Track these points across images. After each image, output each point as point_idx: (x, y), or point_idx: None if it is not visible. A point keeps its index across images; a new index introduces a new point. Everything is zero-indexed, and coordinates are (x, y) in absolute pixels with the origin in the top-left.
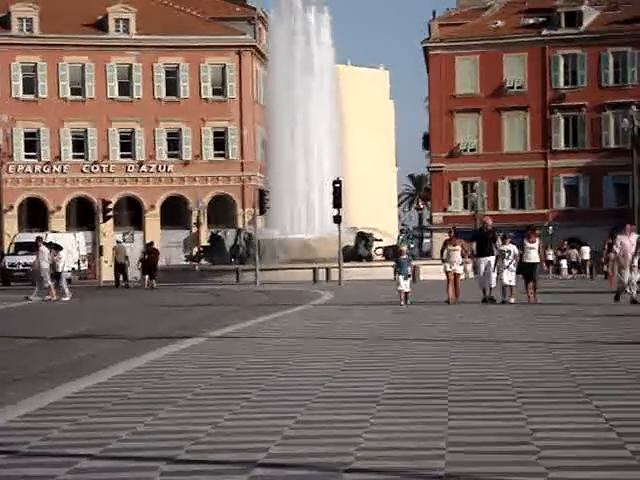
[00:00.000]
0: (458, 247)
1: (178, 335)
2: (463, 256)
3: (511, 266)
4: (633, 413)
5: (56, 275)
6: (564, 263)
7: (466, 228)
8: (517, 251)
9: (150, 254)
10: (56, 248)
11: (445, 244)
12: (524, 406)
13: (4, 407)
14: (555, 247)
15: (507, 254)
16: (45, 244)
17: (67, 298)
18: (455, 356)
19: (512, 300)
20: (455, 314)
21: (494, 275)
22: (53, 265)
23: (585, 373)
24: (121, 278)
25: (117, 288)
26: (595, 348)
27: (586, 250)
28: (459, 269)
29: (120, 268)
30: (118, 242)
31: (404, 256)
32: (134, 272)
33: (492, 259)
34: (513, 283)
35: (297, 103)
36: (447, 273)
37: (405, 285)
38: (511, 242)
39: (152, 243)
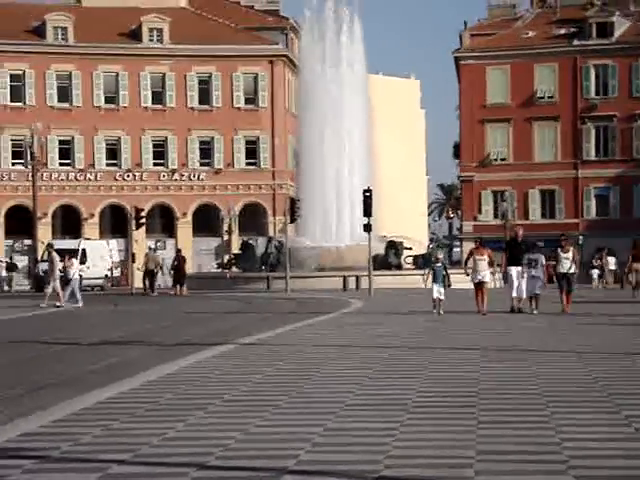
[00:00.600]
0: (485, 256)
1: (208, 342)
2: (491, 265)
3: (538, 275)
4: None
5: (66, 281)
6: (594, 273)
7: (496, 237)
8: (544, 260)
9: (177, 261)
10: (69, 255)
11: (471, 253)
12: (553, 415)
13: (36, 412)
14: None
15: (533, 263)
16: (56, 251)
17: (79, 305)
18: (484, 365)
19: (535, 312)
20: (486, 323)
21: (524, 285)
22: (64, 271)
23: (615, 383)
24: (147, 284)
25: (143, 295)
26: (625, 358)
27: (611, 260)
28: (487, 278)
29: (149, 275)
30: (150, 249)
31: (439, 264)
32: (168, 279)
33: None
34: (539, 292)
35: (328, 113)
36: (475, 284)
37: (439, 292)
38: (538, 251)
39: (179, 250)
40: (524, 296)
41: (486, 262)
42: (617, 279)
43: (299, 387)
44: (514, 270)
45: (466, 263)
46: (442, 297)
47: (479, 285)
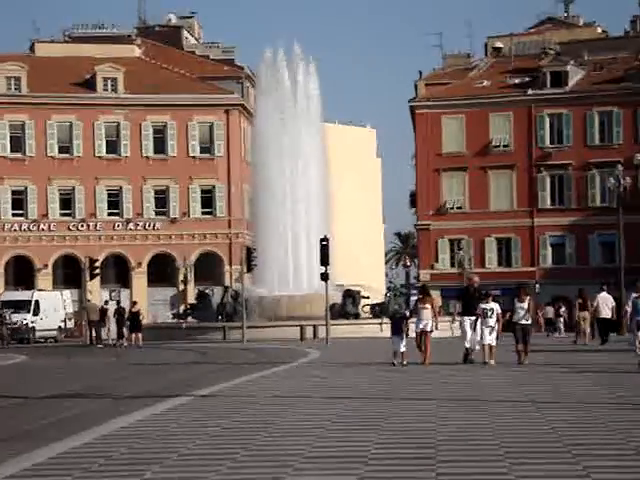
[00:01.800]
0: (428, 305)
1: (164, 394)
2: (435, 315)
3: (492, 325)
4: (621, 474)
5: None
6: (560, 321)
7: (453, 286)
8: (499, 309)
9: (118, 313)
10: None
11: (416, 303)
12: (512, 467)
13: None
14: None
15: (489, 312)
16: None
17: None
18: (442, 416)
19: (492, 362)
20: (442, 374)
21: (476, 335)
22: None
23: (572, 433)
24: (94, 335)
25: (89, 346)
26: (582, 408)
27: (562, 310)
28: (429, 327)
29: (93, 326)
30: (88, 301)
31: (398, 315)
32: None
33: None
34: (494, 343)
35: (284, 161)
36: (416, 333)
37: (400, 344)
38: (493, 300)
39: (119, 302)
40: (477, 347)
41: (429, 311)
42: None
43: (256, 439)
44: (467, 320)
45: (411, 313)
46: (403, 349)
47: (421, 334)
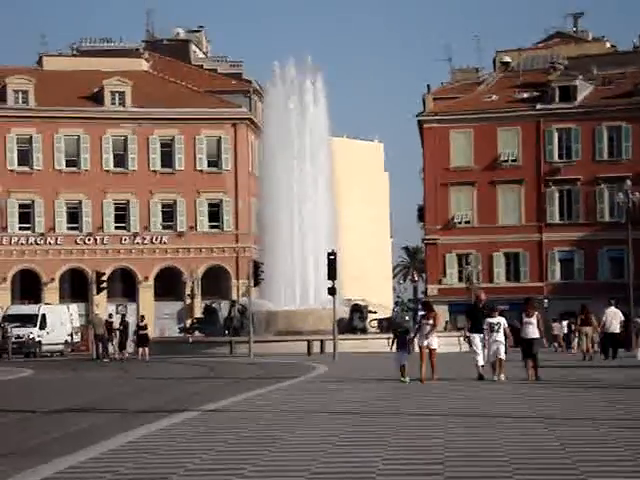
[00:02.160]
0: (430, 320)
1: (171, 409)
2: (434, 326)
3: (499, 339)
4: None
5: None
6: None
7: (461, 301)
8: (506, 324)
9: (122, 326)
10: None
11: (421, 320)
12: None
13: None
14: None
15: (496, 327)
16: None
17: None
18: (450, 431)
19: (502, 377)
20: (451, 389)
21: (485, 351)
22: None
23: (581, 449)
24: (100, 350)
25: (95, 360)
26: (591, 424)
27: (564, 324)
28: (434, 344)
29: (99, 340)
30: (95, 315)
31: (402, 329)
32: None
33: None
34: (503, 357)
35: (291, 175)
36: (421, 349)
37: (405, 358)
38: (500, 314)
39: (124, 316)
40: (485, 362)
41: (430, 326)
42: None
43: (263, 455)
44: (477, 337)
45: (416, 329)
46: (405, 362)
47: (427, 351)
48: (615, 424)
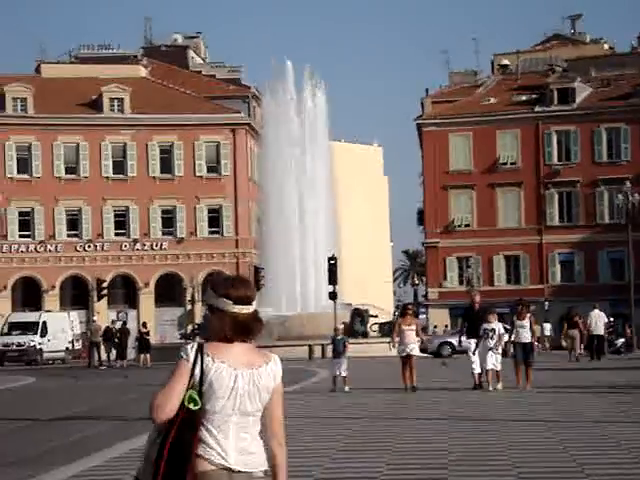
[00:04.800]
0: (413, 326)
1: None
2: (418, 335)
3: (495, 347)
4: None
5: None
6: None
7: (462, 304)
8: (502, 330)
9: (121, 333)
10: None
11: (399, 323)
12: None
13: None
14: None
15: (491, 333)
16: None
17: None
18: (453, 435)
19: (499, 386)
20: (450, 395)
21: (477, 358)
22: None
23: (584, 452)
24: (96, 357)
25: (89, 368)
26: (594, 426)
27: (547, 326)
28: (415, 351)
29: (94, 347)
30: (93, 321)
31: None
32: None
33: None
34: (498, 367)
35: (291, 180)
36: (402, 357)
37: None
38: (499, 318)
39: (125, 323)
40: (477, 371)
41: (414, 333)
42: (552, 344)
43: None
44: (473, 343)
45: (392, 333)
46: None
47: (407, 358)
48: (618, 425)
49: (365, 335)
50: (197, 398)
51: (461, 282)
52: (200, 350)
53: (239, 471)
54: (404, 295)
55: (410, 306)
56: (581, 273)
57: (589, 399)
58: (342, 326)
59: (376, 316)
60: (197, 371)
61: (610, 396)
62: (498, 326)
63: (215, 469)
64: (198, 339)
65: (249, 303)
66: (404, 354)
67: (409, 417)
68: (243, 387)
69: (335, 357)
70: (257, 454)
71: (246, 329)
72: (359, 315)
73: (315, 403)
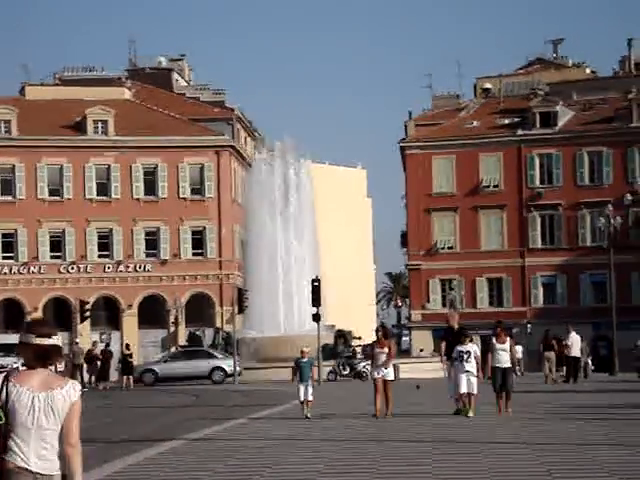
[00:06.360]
0: (385, 349)
1: (157, 437)
2: (389, 359)
3: (469, 369)
4: None
5: None
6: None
7: (445, 326)
8: (479, 352)
9: (104, 355)
10: None
11: (372, 346)
12: None
13: None
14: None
15: (465, 356)
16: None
17: None
18: (437, 458)
19: (471, 414)
20: (434, 419)
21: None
22: None
23: (567, 475)
24: (79, 379)
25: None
26: (577, 450)
27: (519, 349)
28: (389, 375)
29: (78, 369)
30: (76, 343)
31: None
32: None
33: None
34: (474, 391)
35: (275, 204)
36: (375, 380)
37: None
38: (471, 341)
39: (108, 345)
40: (457, 392)
41: (384, 355)
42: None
43: None
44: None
45: (369, 356)
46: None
47: (382, 383)
48: (600, 448)
49: (348, 357)
50: (1, 415)
51: (444, 304)
52: (6, 378)
53: (39, 473)
54: (387, 317)
55: (380, 328)
56: (563, 296)
57: (571, 421)
58: (308, 349)
59: (360, 338)
60: (3, 395)
61: (592, 419)
62: (473, 348)
63: (19, 470)
64: (13, 367)
65: (49, 337)
66: (377, 376)
67: (392, 439)
68: (39, 406)
69: (301, 381)
70: (54, 461)
71: (46, 356)
72: (342, 337)
73: (297, 425)
